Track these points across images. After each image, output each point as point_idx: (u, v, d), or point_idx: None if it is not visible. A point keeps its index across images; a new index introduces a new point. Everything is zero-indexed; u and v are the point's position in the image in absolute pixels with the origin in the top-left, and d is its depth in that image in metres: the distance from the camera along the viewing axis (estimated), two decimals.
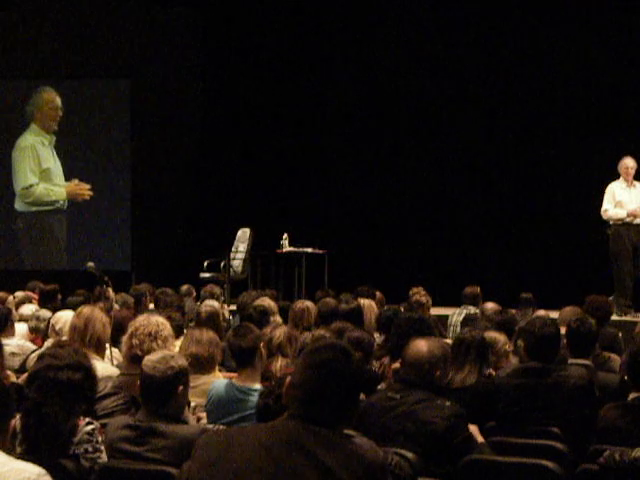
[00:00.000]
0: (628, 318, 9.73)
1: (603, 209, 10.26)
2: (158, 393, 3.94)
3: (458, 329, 8.33)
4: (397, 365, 4.98)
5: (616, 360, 6.00)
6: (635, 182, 10.27)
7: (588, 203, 11.61)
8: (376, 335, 6.67)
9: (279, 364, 4.96)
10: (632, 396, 4.38)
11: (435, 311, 9.17)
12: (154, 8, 13.83)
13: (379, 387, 4.95)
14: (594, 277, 10.80)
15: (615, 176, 10.33)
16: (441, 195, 12.82)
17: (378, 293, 9.17)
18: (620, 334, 6.93)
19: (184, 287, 10.02)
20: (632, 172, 10.22)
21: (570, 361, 5.40)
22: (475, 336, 5.13)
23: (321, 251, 12.07)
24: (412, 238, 12.75)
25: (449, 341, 7.05)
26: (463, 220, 12.65)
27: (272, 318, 7.18)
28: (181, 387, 3.99)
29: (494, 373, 5.17)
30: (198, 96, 14.09)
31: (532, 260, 12.15)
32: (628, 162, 10.24)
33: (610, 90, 11.95)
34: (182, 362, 4.05)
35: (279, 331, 5.53)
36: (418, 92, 12.97)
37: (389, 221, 12.85)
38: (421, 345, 4.30)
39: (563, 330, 5.58)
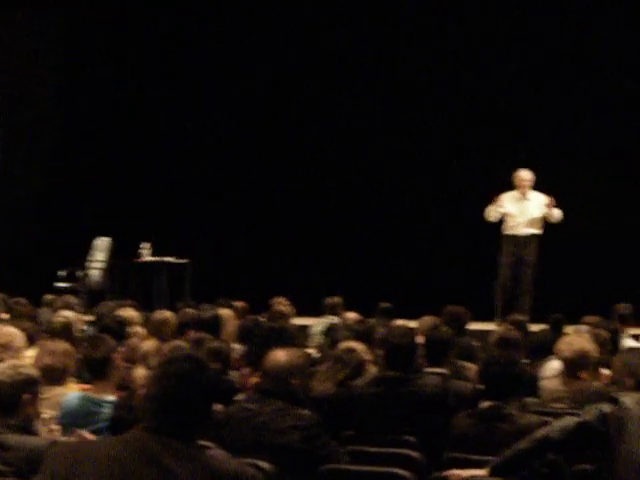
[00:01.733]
0: (485, 327, 9.94)
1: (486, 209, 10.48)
2: (5, 399, 3.91)
3: (319, 339, 8.37)
4: (256, 379, 4.96)
5: (471, 369, 6.11)
6: (532, 193, 10.45)
7: (451, 213, 11.88)
8: (236, 345, 6.63)
9: (139, 372, 4.88)
10: (484, 404, 4.47)
11: (296, 321, 9.19)
12: (10, 11, 13.41)
13: (237, 398, 4.91)
14: (453, 287, 11.02)
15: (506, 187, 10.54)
16: (302, 204, 12.81)
17: (241, 303, 9.13)
18: (476, 343, 7.08)
19: (48, 297, 9.72)
20: (527, 184, 10.40)
21: (426, 370, 5.49)
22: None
23: (183, 260, 11.94)
24: (274, 248, 12.73)
25: (311, 351, 7.11)
26: (324, 230, 12.68)
27: (132, 329, 7.05)
28: (28, 395, 3.95)
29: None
30: (55, 100, 13.73)
31: (392, 270, 12.29)
32: (523, 175, 10.44)
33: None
34: (32, 372, 4.08)
35: (147, 342, 5.47)
36: (281, 84, 12.88)
37: (251, 231, 12.80)
38: (280, 355, 4.32)
39: (422, 339, 5.68)
